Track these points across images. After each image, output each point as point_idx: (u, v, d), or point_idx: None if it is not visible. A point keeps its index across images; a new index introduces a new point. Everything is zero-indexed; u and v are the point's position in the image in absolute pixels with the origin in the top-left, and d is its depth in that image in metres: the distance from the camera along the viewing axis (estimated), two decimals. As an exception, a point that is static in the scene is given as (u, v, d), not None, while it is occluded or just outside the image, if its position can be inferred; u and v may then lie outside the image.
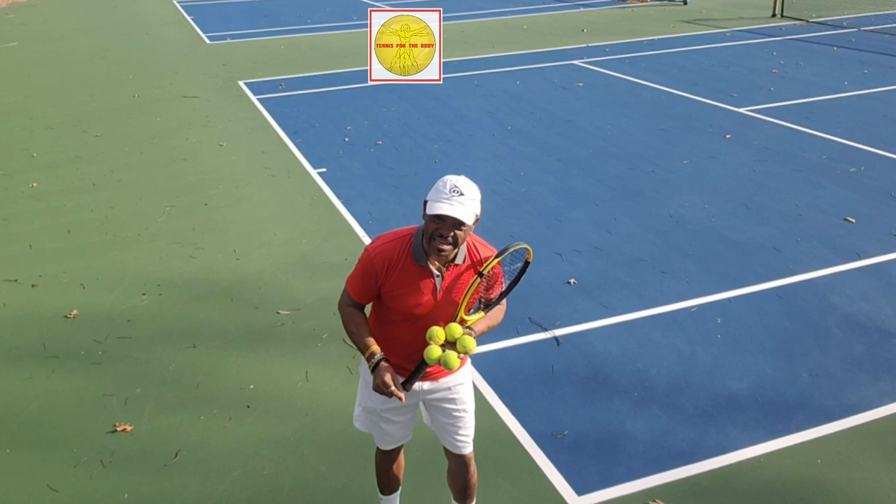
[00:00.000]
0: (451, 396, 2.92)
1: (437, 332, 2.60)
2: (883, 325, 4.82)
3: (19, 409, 4.28)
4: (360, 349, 2.75)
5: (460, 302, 2.65)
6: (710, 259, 5.75)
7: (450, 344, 2.61)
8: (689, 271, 5.57)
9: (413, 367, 2.75)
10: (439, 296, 2.69)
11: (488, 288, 2.76)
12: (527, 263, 2.76)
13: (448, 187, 2.55)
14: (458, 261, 2.70)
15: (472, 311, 2.77)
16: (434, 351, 2.58)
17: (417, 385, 2.86)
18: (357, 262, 2.80)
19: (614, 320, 4.96)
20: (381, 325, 2.82)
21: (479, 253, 2.74)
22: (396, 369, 2.76)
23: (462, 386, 2.95)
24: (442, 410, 2.95)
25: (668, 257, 5.80)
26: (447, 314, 2.69)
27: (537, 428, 3.96)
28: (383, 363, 2.66)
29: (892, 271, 5.50)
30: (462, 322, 2.66)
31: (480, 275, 2.60)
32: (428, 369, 2.77)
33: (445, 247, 2.57)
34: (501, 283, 2.80)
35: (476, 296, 2.73)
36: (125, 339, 4.92)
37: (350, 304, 2.83)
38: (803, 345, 4.64)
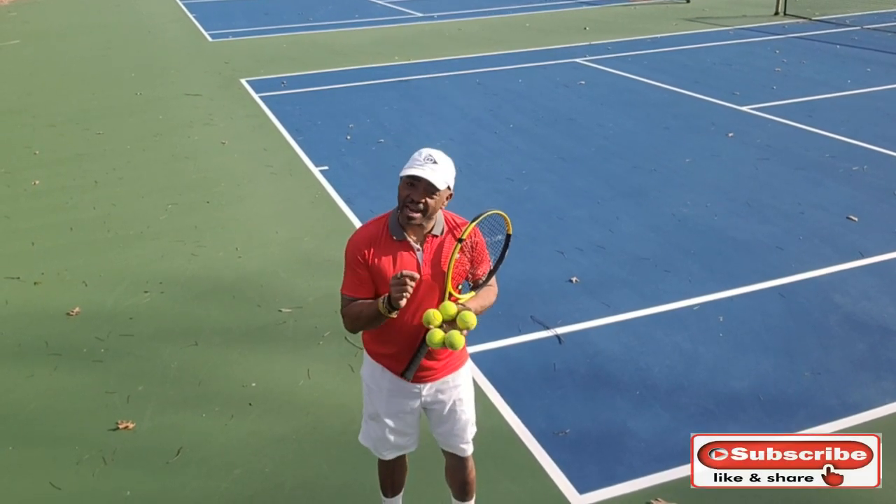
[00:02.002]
0: (453, 396, 2.90)
1: (434, 315, 2.55)
2: (885, 323, 4.81)
3: (21, 406, 4.29)
4: (373, 317, 2.63)
5: (446, 272, 2.61)
6: (712, 257, 5.74)
7: (448, 324, 2.57)
8: (691, 270, 5.56)
9: (411, 353, 2.72)
10: (423, 269, 2.66)
11: (473, 262, 2.75)
12: (508, 236, 2.77)
13: (423, 156, 2.58)
14: (437, 231, 2.70)
15: (462, 291, 2.76)
16: (436, 334, 2.53)
17: (420, 387, 2.84)
18: (344, 266, 2.77)
19: (616, 319, 4.96)
20: None
21: (455, 221, 2.77)
22: (395, 358, 2.77)
23: (463, 387, 2.93)
24: (444, 415, 2.92)
25: (670, 256, 5.79)
26: (436, 290, 2.66)
27: (539, 426, 3.96)
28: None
29: (895, 270, 5.49)
30: (453, 299, 2.63)
31: (460, 240, 2.59)
32: (427, 370, 2.77)
33: (415, 214, 2.57)
34: (488, 262, 2.80)
35: (461, 269, 2.70)
36: (127, 337, 4.93)
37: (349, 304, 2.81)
38: (805, 343, 4.64)
